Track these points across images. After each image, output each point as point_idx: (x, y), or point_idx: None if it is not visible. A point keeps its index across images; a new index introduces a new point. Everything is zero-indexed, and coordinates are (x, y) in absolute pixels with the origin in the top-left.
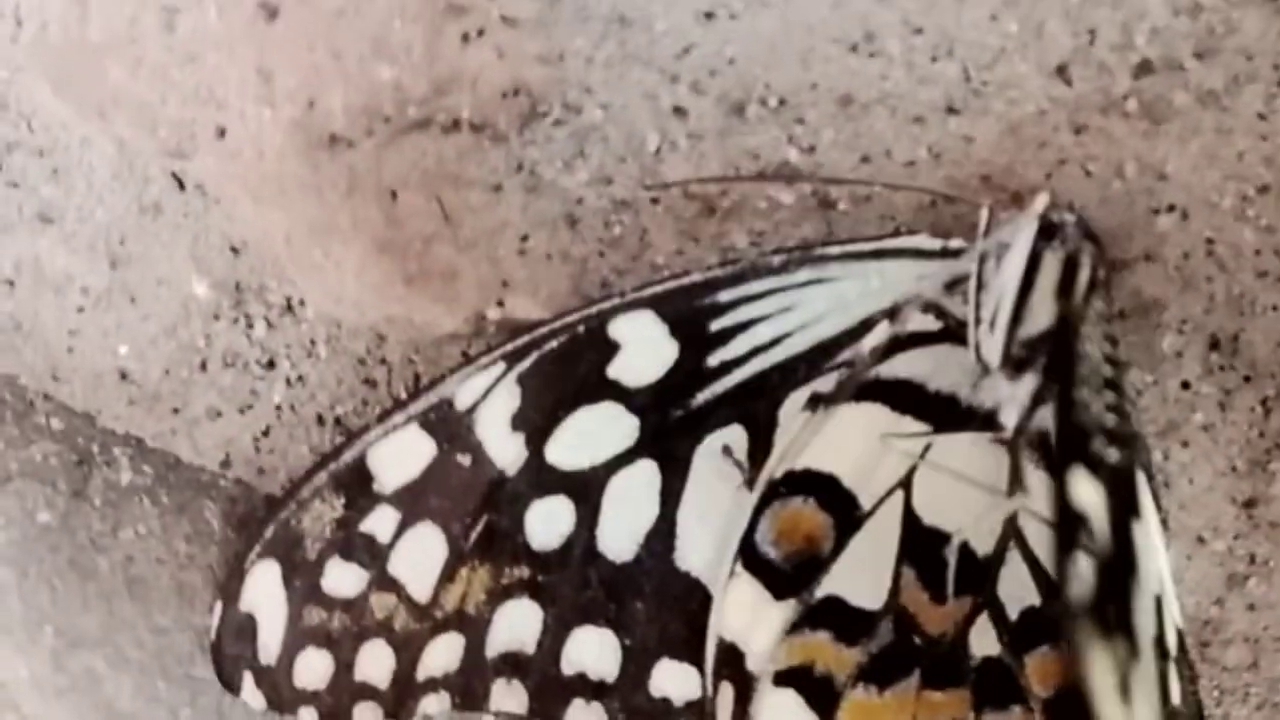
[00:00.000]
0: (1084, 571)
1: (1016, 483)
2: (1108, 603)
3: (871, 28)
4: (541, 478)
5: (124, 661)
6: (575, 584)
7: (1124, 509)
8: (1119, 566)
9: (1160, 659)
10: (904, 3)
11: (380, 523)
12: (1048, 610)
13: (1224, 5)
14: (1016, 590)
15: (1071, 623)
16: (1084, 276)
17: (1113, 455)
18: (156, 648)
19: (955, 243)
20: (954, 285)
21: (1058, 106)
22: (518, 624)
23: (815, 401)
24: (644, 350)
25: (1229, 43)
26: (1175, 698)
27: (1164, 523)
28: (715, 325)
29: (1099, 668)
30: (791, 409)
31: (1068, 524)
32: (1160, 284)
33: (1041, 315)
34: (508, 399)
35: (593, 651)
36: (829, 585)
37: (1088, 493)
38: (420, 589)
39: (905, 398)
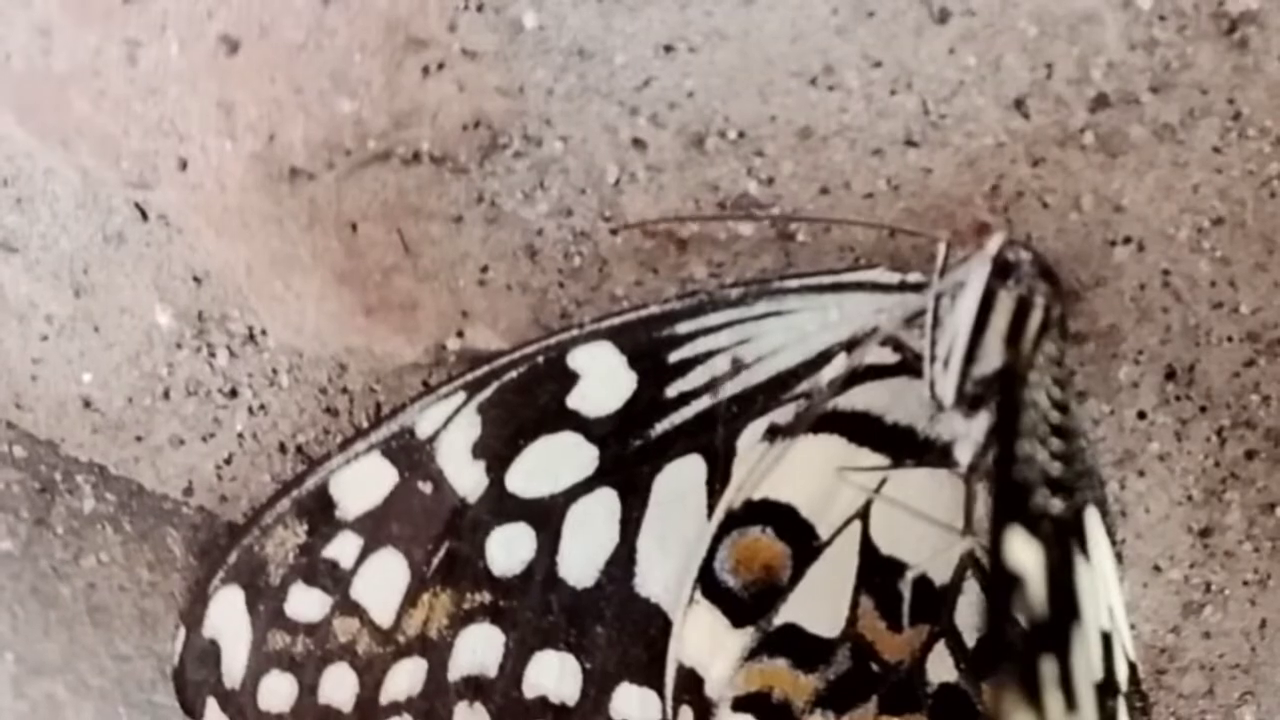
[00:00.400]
0: (1014, 638)
1: (970, 522)
2: (1043, 659)
3: (830, 61)
4: (502, 505)
5: (85, 688)
6: (536, 609)
7: (1066, 558)
8: (1058, 620)
9: (1110, 696)
10: (863, 36)
11: (343, 549)
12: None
13: (1179, 40)
14: (974, 618)
15: (994, 695)
16: (1036, 318)
17: (1056, 505)
18: (118, 675)
19: (913, 276)
20: (912, 319)
21: (1015, 139)
22: (480, 648)
23: (773, 432)
24: (603, 381)
25: (1184, 77)
26: None
27: (1119, 554)
28: (674, 357)
29: None
30: (750, 439)
31: (1001, 587)
32: (1117, 314)
33: (995, 355)
34: (468, 428)
35: (554, 675)
36: (787, 613)
37: (1024, 552)
38: (383, 614)
39: (863, 429)
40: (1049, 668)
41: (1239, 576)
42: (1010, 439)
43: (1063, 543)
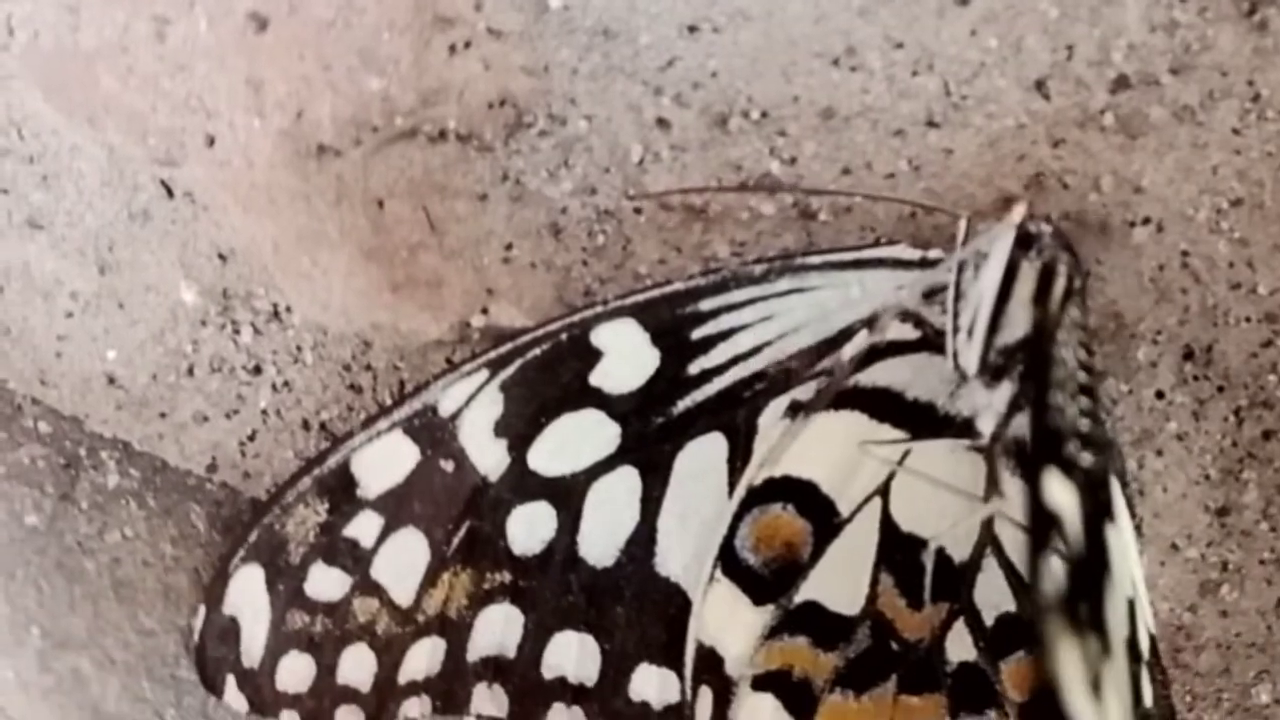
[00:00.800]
0: (1056, 568)
1: (993, 488)
2: (1080, 600)
3: (853, 42)
4: (524, 483)
5: (110, 662)
6: (556, 589)
7: (1098, 511)
8: (1092, 566)
9: (1133, 661)
10: (885, 18)
11: (363, 527)
12: (1023, 616)
13: (1199, 22)
14: (993, 597)
15: (1043, 616)
16: (1060, 285)
17: (1086, 459)
18: (142, 649)
19: (934, 253)
20: (932, 295)
21: (1036, 120)
22: (499, 628)
23: (795, 409)
24: (626, 358)
25: (1204, 59)
26: (1148, 700)
27: (1138, 530)
28: (696, 334)
29: (1069, 661)
30: (771, 417)
31: (1041, 522)
32: (1135, 295)
33: (1018, 323)
34: (491, 406)
35: (573, 656)
36: (807, 591)
37: (1061, 493)
38: (402, 593)
39: (883, 406)
40: (1086, 611)
41: (1256, 555)
42: (1044, 386)
43: (1093, 497)
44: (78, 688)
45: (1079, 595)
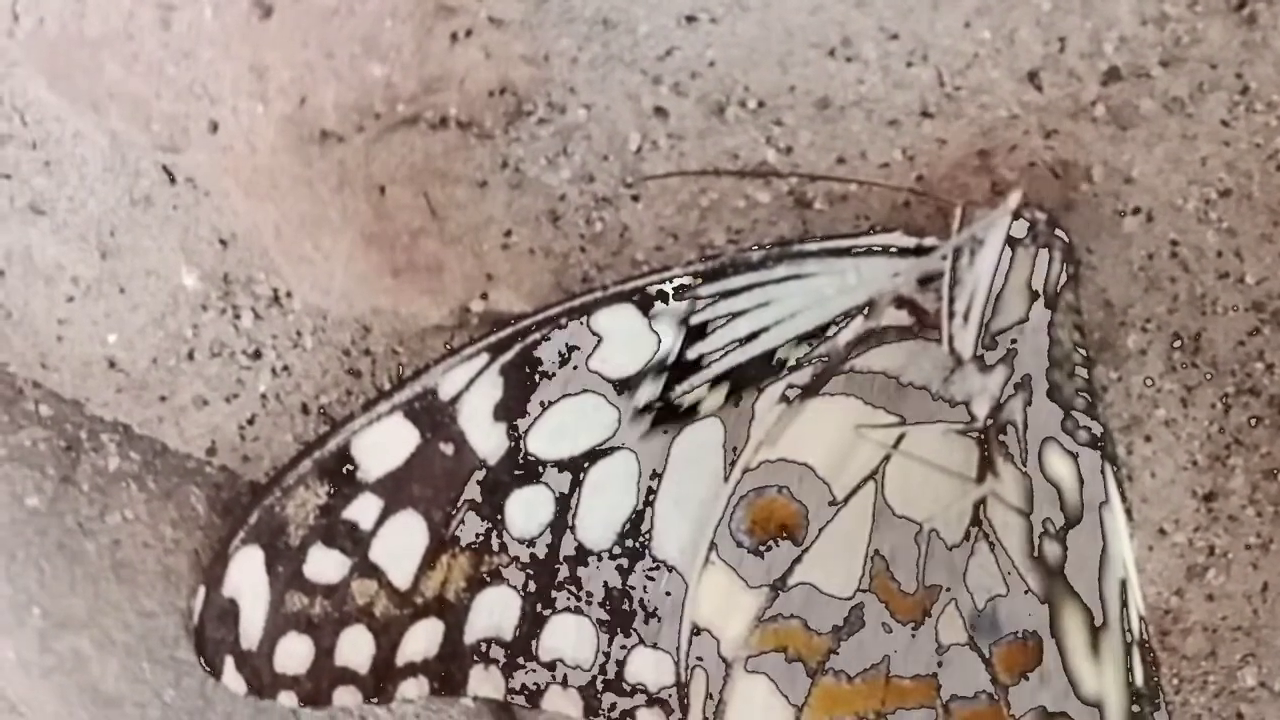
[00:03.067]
0: (1057, 536)
1: (986, 470)
2: (1078, 570)
3: (849, 33)
4: (522, 467)
5: (110, 643)
6: (553, 572)
7: (1093, 488)
8: (1088, 539)
9: (1125, 639)
10: (880, 9)
11: (363, 510)
12: (1014, 599)
13: (1190, 15)
14: (984, 580)
15: (1046, 580)
16: (1055, 270)
17: (1083, 435)
18: (142, 630)
19: (929, 240)
20: (928, 281)
21: (1028, 111)
22: (496, 611)
23: (791, 394)
24: (625, 343)
25: (1194, 52)
26: (1139, 679)
27: (1127, 514)
28: (695, 319)
29: (1071, 624)
30: (768, 401)
31: (1042, 492)
32: (1125, 284)
33: (1013, 308)
34: (490, 389)
35: (570, 639)
36: (801, 573)
37: (1060, 464)
38: (401, 576)
39: (879, 390)
40: (1084, 581)
41: (1242, 540)
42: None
43: (1090, 473)
44: (78, 668)
45: (1078, 565)
